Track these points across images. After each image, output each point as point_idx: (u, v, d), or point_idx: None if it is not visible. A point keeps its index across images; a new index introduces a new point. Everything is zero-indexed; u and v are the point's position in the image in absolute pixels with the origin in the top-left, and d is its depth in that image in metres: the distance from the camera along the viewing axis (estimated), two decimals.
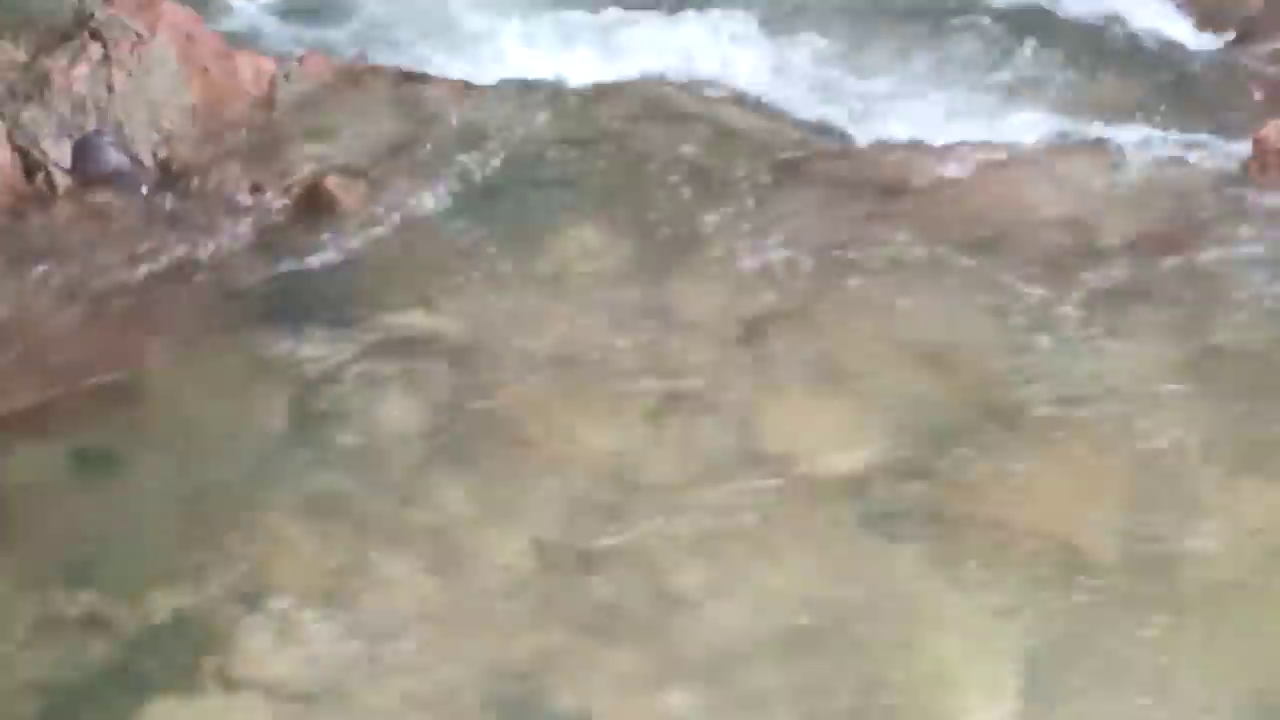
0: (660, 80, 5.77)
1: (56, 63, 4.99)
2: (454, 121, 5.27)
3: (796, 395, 4.40)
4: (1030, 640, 3.69)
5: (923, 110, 5.95)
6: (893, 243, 4.81)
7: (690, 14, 6.63)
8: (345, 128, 5.22)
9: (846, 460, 4.18)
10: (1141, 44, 6.67)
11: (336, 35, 6.57)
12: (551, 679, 3.72)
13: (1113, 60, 6.50)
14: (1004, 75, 6.39)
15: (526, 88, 5.53)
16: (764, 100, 5.74)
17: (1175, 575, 3.85)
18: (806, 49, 6.40)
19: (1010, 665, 3.66)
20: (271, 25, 6.56)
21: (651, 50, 6.25)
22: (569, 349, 4.53)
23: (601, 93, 5.48)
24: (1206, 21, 6.79)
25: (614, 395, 4.39)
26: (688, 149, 5.18)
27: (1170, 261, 4.72)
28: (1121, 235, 4.82)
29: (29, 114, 4.92)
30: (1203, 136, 5.56)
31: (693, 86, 5.70)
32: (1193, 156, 5.31)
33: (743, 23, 6.54)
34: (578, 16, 6.59)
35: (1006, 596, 3.79)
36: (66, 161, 4.89)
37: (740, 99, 5.67)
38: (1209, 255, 4.73)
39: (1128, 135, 5.55)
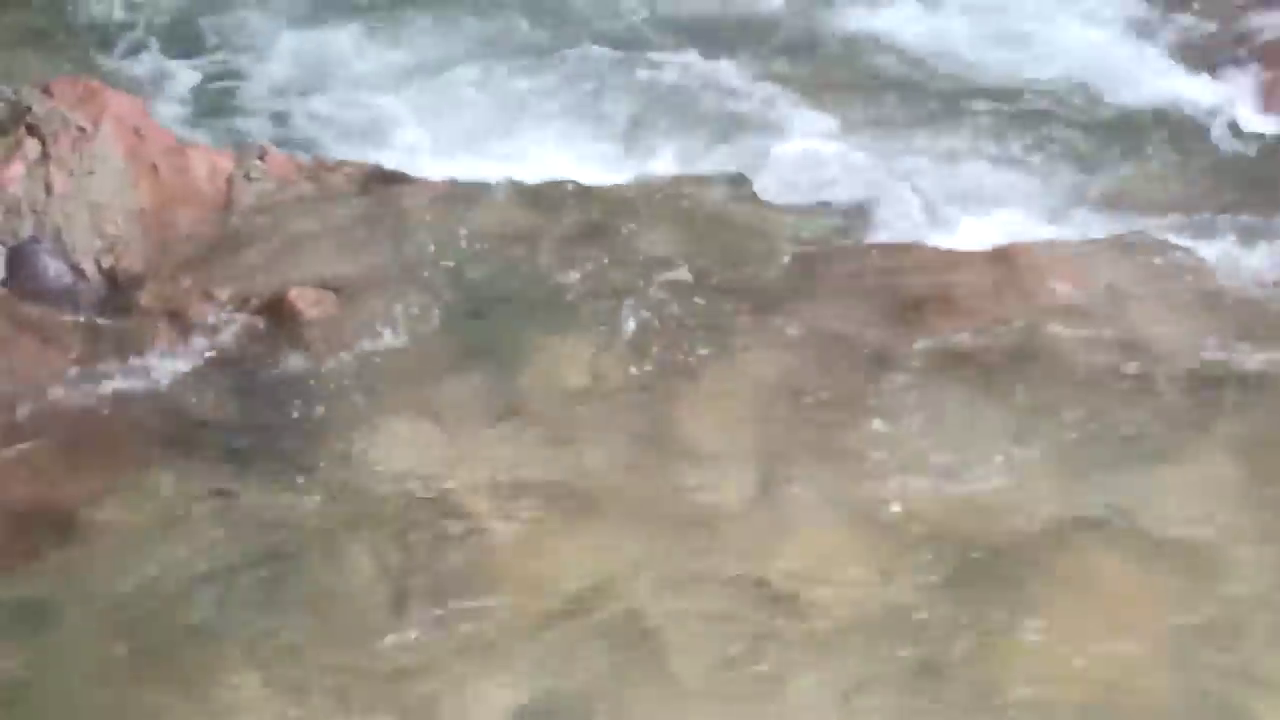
0: (666, 178, 5.72)
1: (10, 154, 4.88)
2: (433, 227, 5.18)
3: (813, 534, 4.27)
4: None
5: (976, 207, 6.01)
6: (923, 355, 4.74)
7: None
8: (312, 234, 5.11)
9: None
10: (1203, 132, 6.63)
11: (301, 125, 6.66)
12: None
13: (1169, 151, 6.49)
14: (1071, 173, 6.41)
15: (515, 188, 5.43)
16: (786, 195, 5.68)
17: None
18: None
19: None
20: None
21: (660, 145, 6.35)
22: (559, 482, 4.38)
23: (601, 193, 5.40)
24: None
25: (607, 534, 4.25)
26: (694, 253, 5.10)
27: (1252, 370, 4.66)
28: (1192, 341, 4.77)
29: None
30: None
31: (703, 182, 5.59)
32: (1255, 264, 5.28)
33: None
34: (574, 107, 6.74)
35: None
36: (3, 272, 4.75)
37: (758, 197, 5.56)
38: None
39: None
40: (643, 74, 7.46)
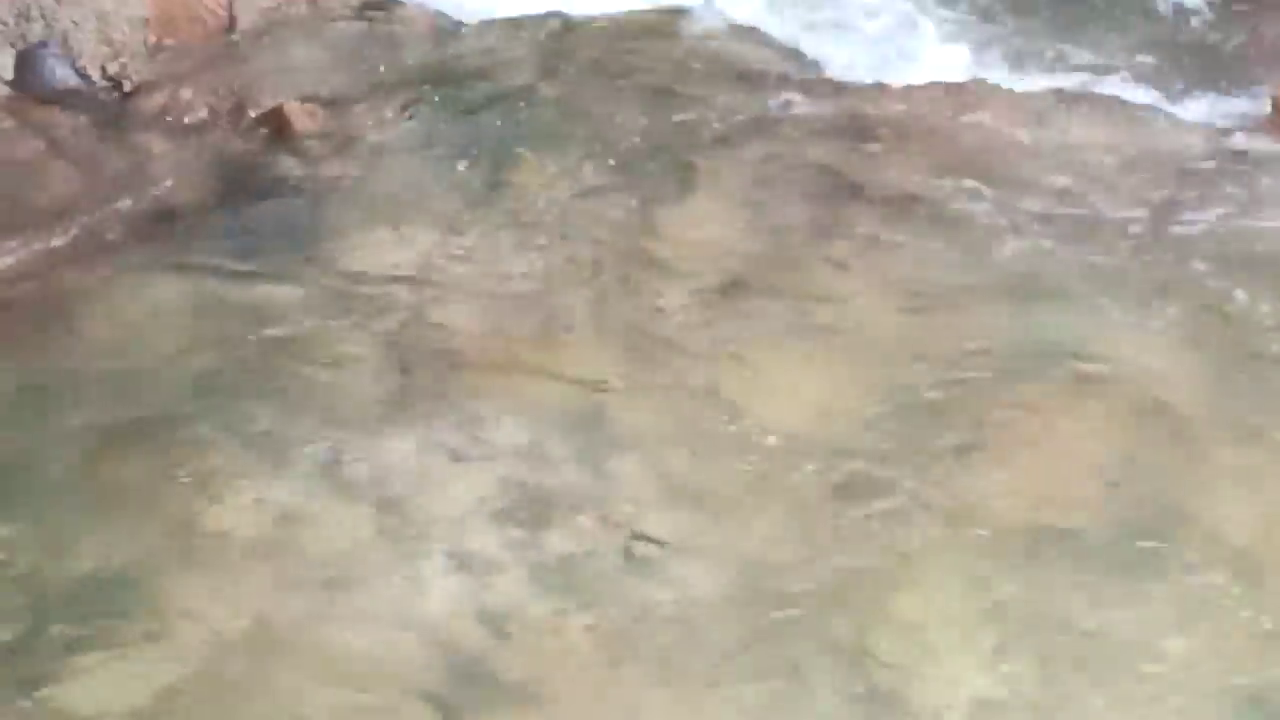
0: (646, 10, 5.72)
1: None
2: (422, 50, 5.28)
3: (771, 352, 4.37)
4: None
5: (931, 56, 5.97)
6: (888, 182, 4.81)
7: None
8: (309, 52, 5.20)
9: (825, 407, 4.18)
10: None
11: None
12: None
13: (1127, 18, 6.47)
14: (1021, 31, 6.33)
15: (508, 20, 5.53)
16: (761, 32, 5.68)
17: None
18: None
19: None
20: None
21: None
22: (537, 286, 4.50)
23: (579, 24, 5.50)
24: None
25: (579, 334, 4.37)
26: (670, 78, 5.19)
27: (1182, 213, 4.74)
28: (1145, 186, 4.84)
29: None
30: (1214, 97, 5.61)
31: (680, 15, 5.64)
32: (1202, 118, 5.36)
33: None
34: None
35: None
36: (9, 74, 4.85)
37: (736, 31, 5.62)
38: (1224, 208, 4.74)
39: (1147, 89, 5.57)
40: None
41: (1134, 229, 4.67)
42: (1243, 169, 4.86)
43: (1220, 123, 5.20)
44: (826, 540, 3.86)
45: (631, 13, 5.64)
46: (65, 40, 4.83)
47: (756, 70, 5.36)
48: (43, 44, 4.81)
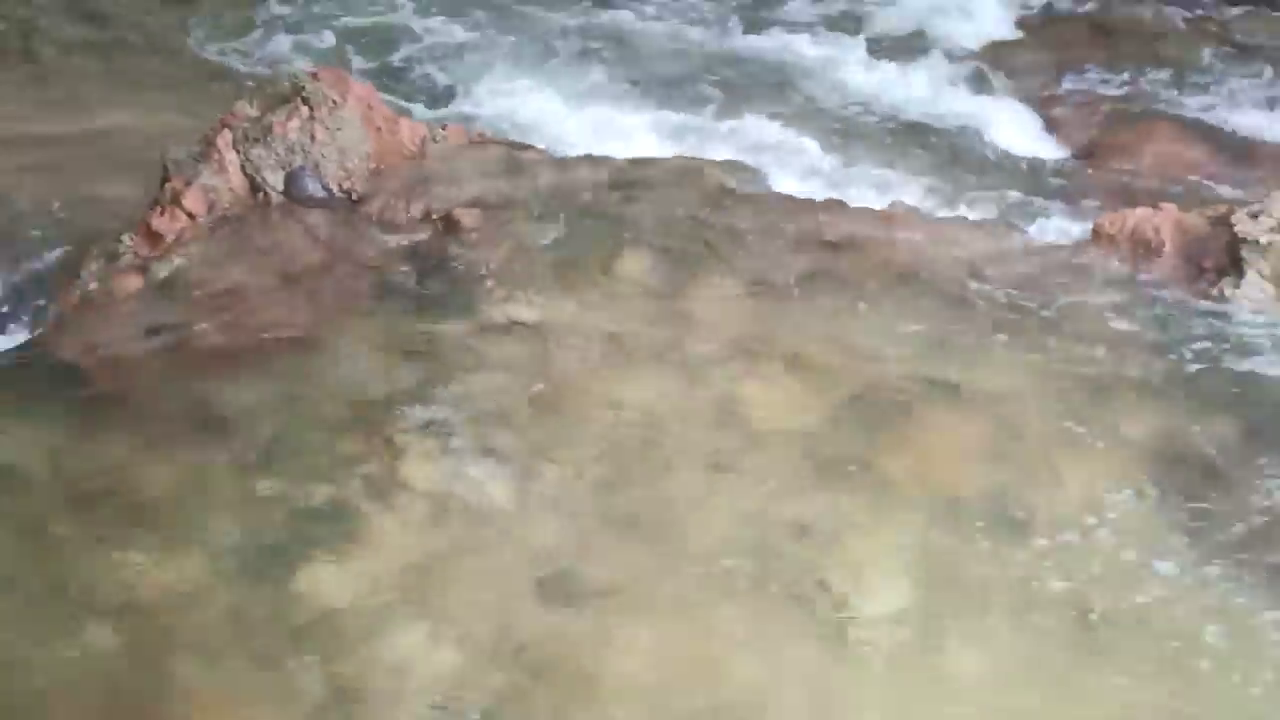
0: (691, 159, 5.64)
1: (277, 117, 4.94)
2: (543, 178, 5.17)
3: (764, 379, 4.28)
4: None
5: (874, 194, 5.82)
6: (841, 277, 4.73)
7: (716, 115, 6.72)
8: (472, 177, 5.13)
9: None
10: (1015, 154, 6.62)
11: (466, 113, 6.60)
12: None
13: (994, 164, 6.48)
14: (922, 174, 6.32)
15: (591, 159, 5.44)
16: (768, 178, 5.61)
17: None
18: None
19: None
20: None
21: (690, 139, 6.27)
22: (616, 328, 4.45)
23: (646, 163, 5.39)
24: (1063, 139, 6.78)
25: (644, 365, 4.29)
26: (705, 207, 5.06)
27: (1037, 297, 4.65)
28: (1006, 281, 4.75)
29: (256, 152, 4.89)
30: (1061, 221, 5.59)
31: (724, 165, 5.55)
32: (1048, 235, 5.29)
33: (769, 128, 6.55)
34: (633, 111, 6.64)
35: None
36: (280, 186, 4.88)
37: (754, 176, 5.52)
38: (1066, 296, 4.67)
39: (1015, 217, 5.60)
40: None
41: (999, 305, 4.60)
42: (1071, 270, 4.80)
43: (1059, 239, 5.13)
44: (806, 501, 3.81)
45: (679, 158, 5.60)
46: (317, 166, 4.85)
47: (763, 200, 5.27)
48: (302, 168, 4.85)
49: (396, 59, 7.24)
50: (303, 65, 5.89)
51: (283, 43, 7.29)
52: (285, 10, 7.60)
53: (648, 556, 3.62)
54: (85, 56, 6.76)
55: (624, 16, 7.83)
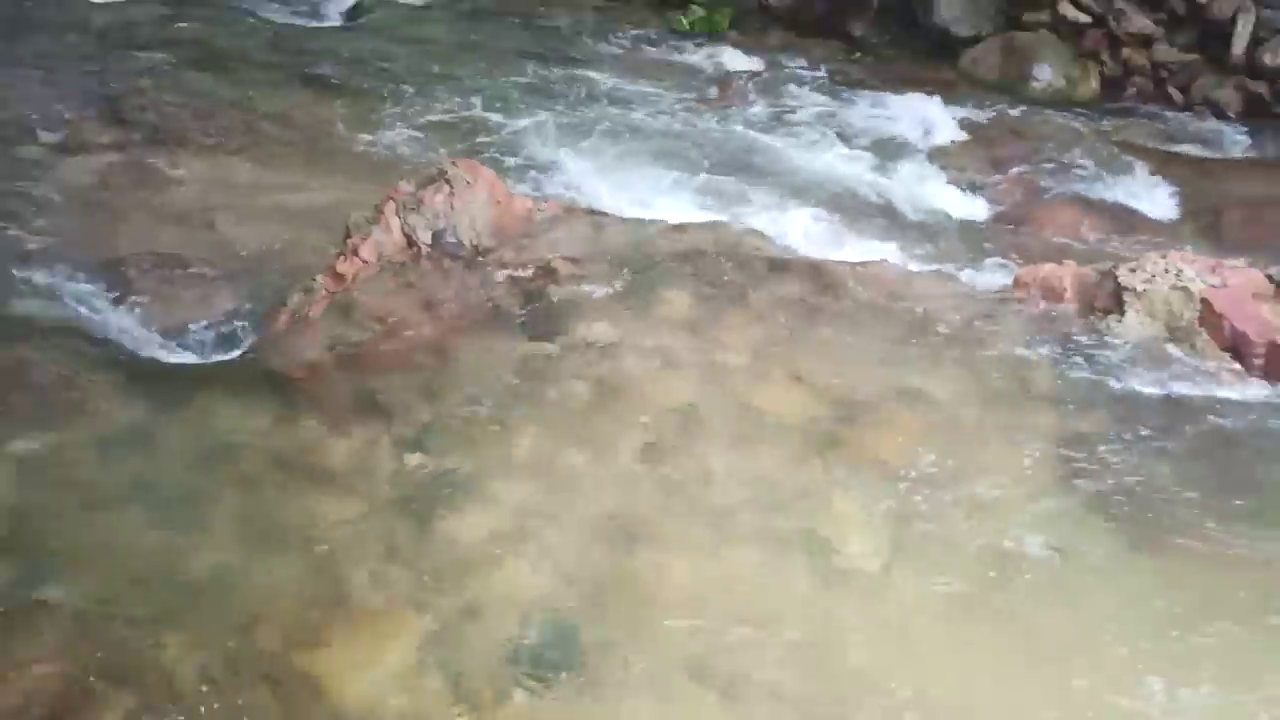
0: (722, 224, 5.58)
1: (427, 193, 4.90)
2: (614, 237, 5.13)
3: (775, 384, 4.26)
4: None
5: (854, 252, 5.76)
6: (831, 312, 4.69)
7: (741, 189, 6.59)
8: (564, 236, 5.08)
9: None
10: (957, 223, 6.57)
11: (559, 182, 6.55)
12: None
13: (943, 230, 6.42)
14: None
15: (646, 222, 5.40)
16: (774, 239, 5.52)
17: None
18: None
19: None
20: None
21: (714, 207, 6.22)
22: (666, 347, 4.40)
23: (685, 227, 5.31)
24: (992, 212, 6.72)
25: (685, 374, 4.26)
26: (730, 259, 4.98)
27: (974, 328, 4.61)
28: (951, 317, 4.68)
29: (412, 217, 4.83)
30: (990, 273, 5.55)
31: (743, 229, 5.47)
32: (980, 283, 5.19)
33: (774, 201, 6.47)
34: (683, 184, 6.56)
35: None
36: (428, 241, 4.84)
37: (764, 236, 5.45)
38: (994, 327, 4.63)
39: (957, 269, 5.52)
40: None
41: (946, 333, 4.55)
42: (998, 308, 4.75)
43: (990, 286, 5.06)
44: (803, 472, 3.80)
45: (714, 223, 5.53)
46: (454, 228, 4.83)
47: (774, 257, 5.17)
48: (444, 229, 4.83)
49: (478, 143, 7.12)
50: (441, 154, 5.92)
51: (402, 133, 7.22)
52: (398, 109, 7.53)
53: (685, 510, 3.61)
54: (289, 146, 6.80)
55: (651, 116, 7.76)
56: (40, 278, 5.06)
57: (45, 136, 6.35)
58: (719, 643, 3.15)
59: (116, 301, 5.02)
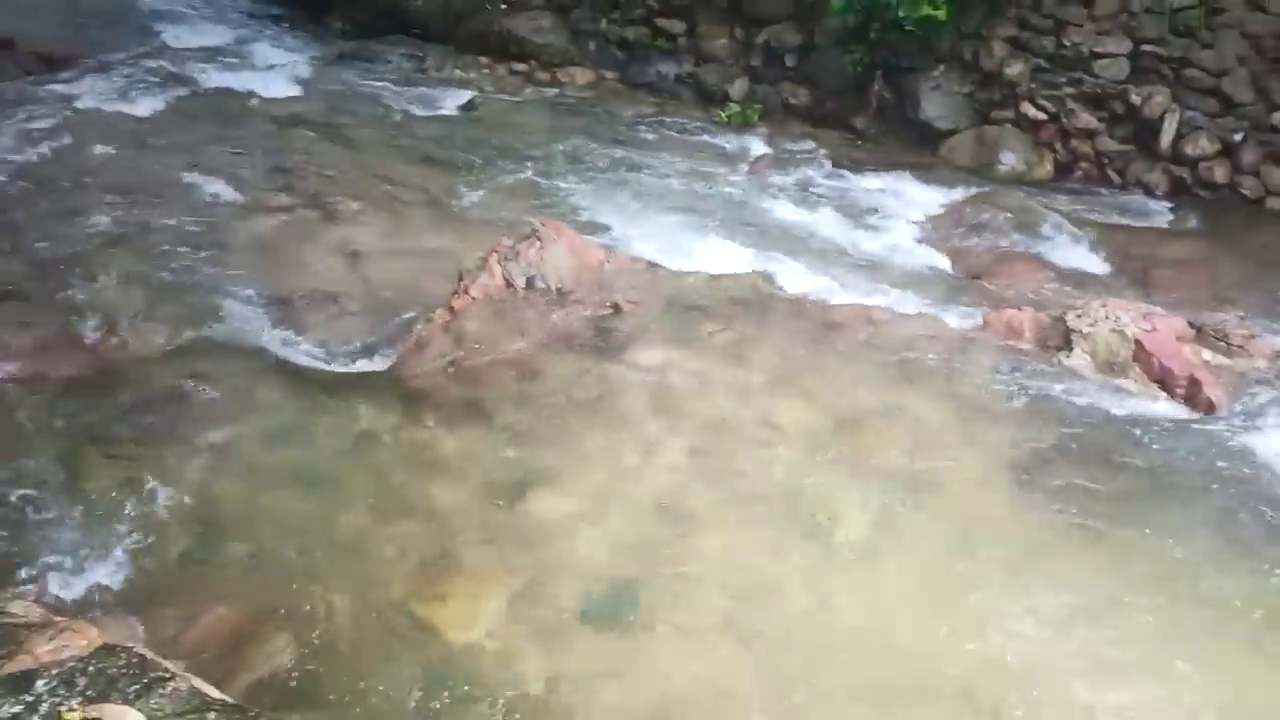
0: (749, 274, 5.48)
1: (522, 245, 4.83)
2: (666, 282, 5.06)
3: (788, 400, 4.20)
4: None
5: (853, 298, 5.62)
6: (832, 344, 4.62)
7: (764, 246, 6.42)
8: (628, 281, 5.00)
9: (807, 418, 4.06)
10: (935, 276, 6.43)
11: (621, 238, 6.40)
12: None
13: (924, 281, 6.27)
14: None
15: (690, 273, 5.27)
16: (793, 288, 5.44)
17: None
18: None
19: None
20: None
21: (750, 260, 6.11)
22: (705, 369, 4.34)
23: (721, 276, 5.22)
24: (963, 269, 6.58)
25: (720, 390, 4.21)
26: (755, 302, 4.92)
27: (948, 359, 4.52)
28: (929, 350, 4.59)
29: (510, 265, 4.81)
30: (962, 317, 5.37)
31: (765, 278, 5.39)
32: (954, 324, 5.04)
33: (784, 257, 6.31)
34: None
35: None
36: (523, 284, 4.81)
37: (780, 285, 5.40)
38: (965, 358, 4.54)
39: (936, 312, 5.29)
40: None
41: (925, 363, 4.42)
42: (969, 344, 4.65)
43: (957, 328, 4.92)
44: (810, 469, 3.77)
45: (747, 273, 5.42)
46: (543, 274, 4.79)
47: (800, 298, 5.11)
48: (535, 275, 4.78)
49: (559, 206, 7.00)
50: (532, 216, 5.73)
51: (500, 198, 7.15)
52: (497, 179, 7.44)
53: (718, 498, 3.58)
54: (415, 208, 6.83)
55: (682, 183, 7.63)
56: (229, 306, 5.16)
57: (232, 199, 6.51)
58: (741, 602, 3.15)
59: (284, 325, 5.10)
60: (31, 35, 9.20)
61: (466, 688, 2.85)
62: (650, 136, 8.67)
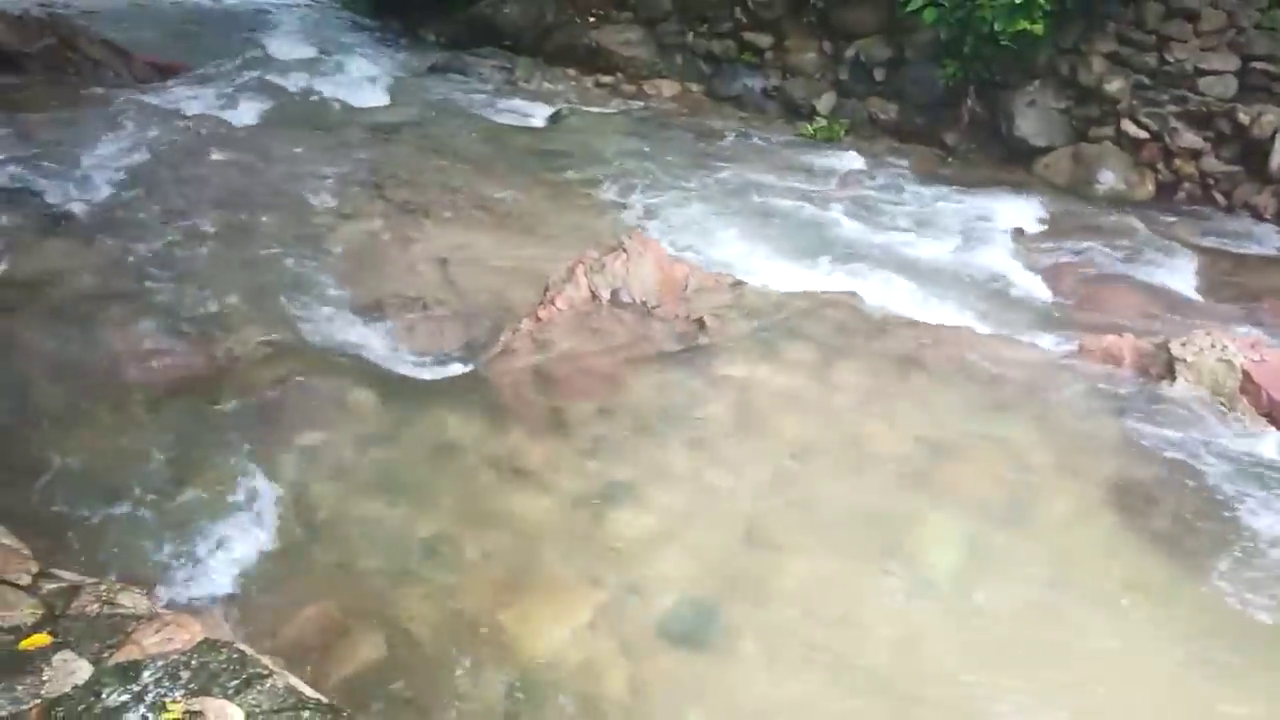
0: (836, 291, 5.37)
1: (609, 258, 4.83)
2: (748, 299, 4.99)
3: (876, 423, 4.12)
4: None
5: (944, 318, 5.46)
6: (922, 365, 4.51)
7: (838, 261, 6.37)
8: (711, 297, 4.97)
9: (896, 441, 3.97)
10: (1033, 300, 6.19)
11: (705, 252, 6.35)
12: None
13: (1019, 305, 6.09)
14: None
15: (769, 289, 5.21)
16: (881, 307, 5.26)
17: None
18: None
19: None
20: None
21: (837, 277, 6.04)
22: (790, 387, 4.28)
23: (803, 293, 5.18)
24: (1060, 292, 6.29)
25: (803, 409, 4.16)
26: (838, 320, 4.88)
27: (1038, 390, 4.38)
28: (1022, 375, 4.45)
29: (596, 277, 4.80)
30: (1055, 341, 5.19)
31: (854, 296, 5.24)
32: (1049, 348, 4.90)
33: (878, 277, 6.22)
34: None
35: None
36: (608, 296, 4.79)
37: (868, 303, 5.22)
38: (1057, 396, 4.38)
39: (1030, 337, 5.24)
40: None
41: (1019, 388, 4.35)
42: (1062, 369, 4.51)
43: (1054, 349, 4.83)
44: (895, 496, 3.70)
45: (828, 291, 5.35)
46: (628, 287, 4.78)
47: (874, 316, 4.99)
48: (620, 287, 4.75)
49: (646, 218, 6.96)
50: (620, 228, 5.83)
51: (588, 209, 7.11)
52: (584, 190, 7.42)
53: (801, 523, 3.52)
54: (504, 218, 6.86)
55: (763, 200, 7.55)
56: (325, 311, 5.26)
57: (329, 205, 6.65)
58: (828, 630, 3.08)
59: (375, 330, 5.17)
60: (145, 45, 9.65)
61: (548, 699, 2.86)
62: (736, 150, 8.61)
